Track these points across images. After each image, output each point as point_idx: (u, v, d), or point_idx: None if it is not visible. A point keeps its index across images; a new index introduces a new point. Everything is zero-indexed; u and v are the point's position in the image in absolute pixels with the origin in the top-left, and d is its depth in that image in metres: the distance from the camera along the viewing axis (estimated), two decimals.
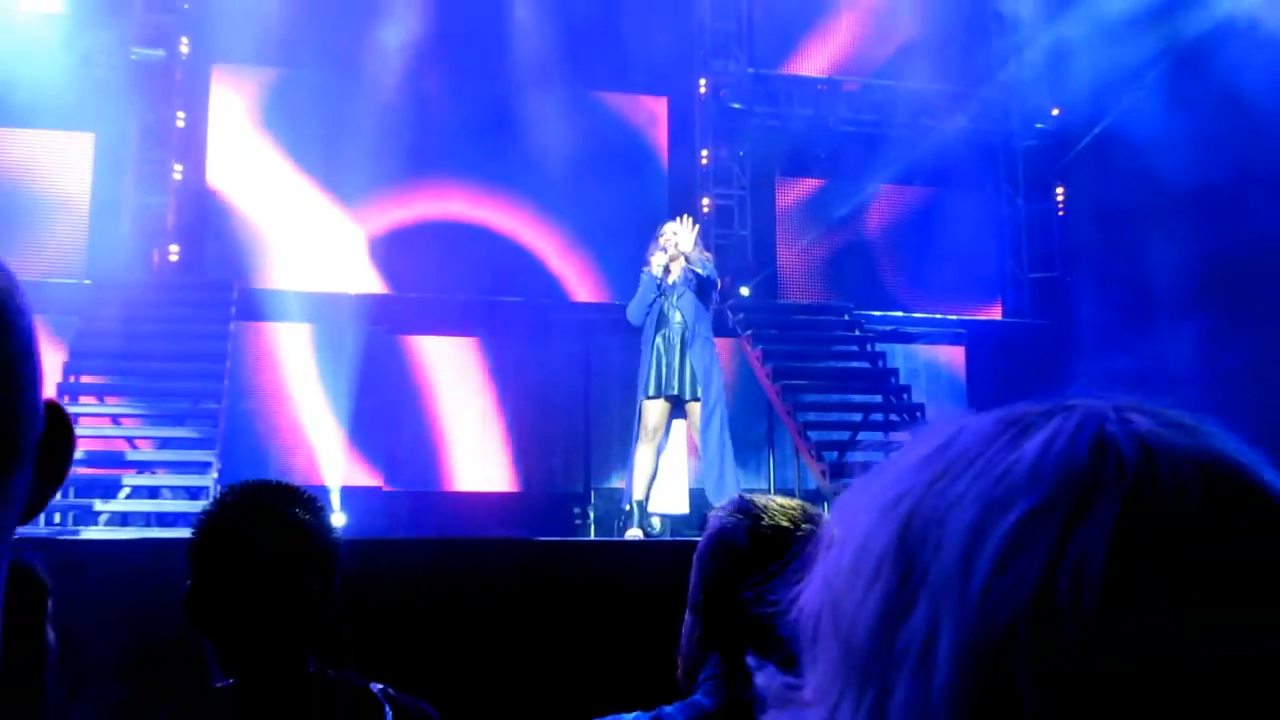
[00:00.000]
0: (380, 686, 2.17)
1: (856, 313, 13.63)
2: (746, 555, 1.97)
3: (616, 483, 10.40)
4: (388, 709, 2.12)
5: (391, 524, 11.32)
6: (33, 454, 0.76)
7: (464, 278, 13.33)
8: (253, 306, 12.15)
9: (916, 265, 14.58)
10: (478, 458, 12.96)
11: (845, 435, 12.04)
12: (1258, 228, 11.90)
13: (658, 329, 8.25)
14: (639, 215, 13.32)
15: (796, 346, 13.08)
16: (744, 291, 13.82)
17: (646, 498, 8.27)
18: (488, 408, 13.09)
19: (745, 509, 2.06)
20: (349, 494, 11.56)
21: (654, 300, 8.26)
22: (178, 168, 12.88)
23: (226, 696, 2.07)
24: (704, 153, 14.44)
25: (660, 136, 14.70)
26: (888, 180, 14.85)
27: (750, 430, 13.12)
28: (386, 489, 12.30)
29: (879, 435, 12.46)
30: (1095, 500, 0.59)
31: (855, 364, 13.08)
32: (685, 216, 8.64)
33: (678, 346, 8.22)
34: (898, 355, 13.47)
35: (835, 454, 11.53)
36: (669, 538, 8.54)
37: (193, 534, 2.16)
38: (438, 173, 13.61)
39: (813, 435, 11.63)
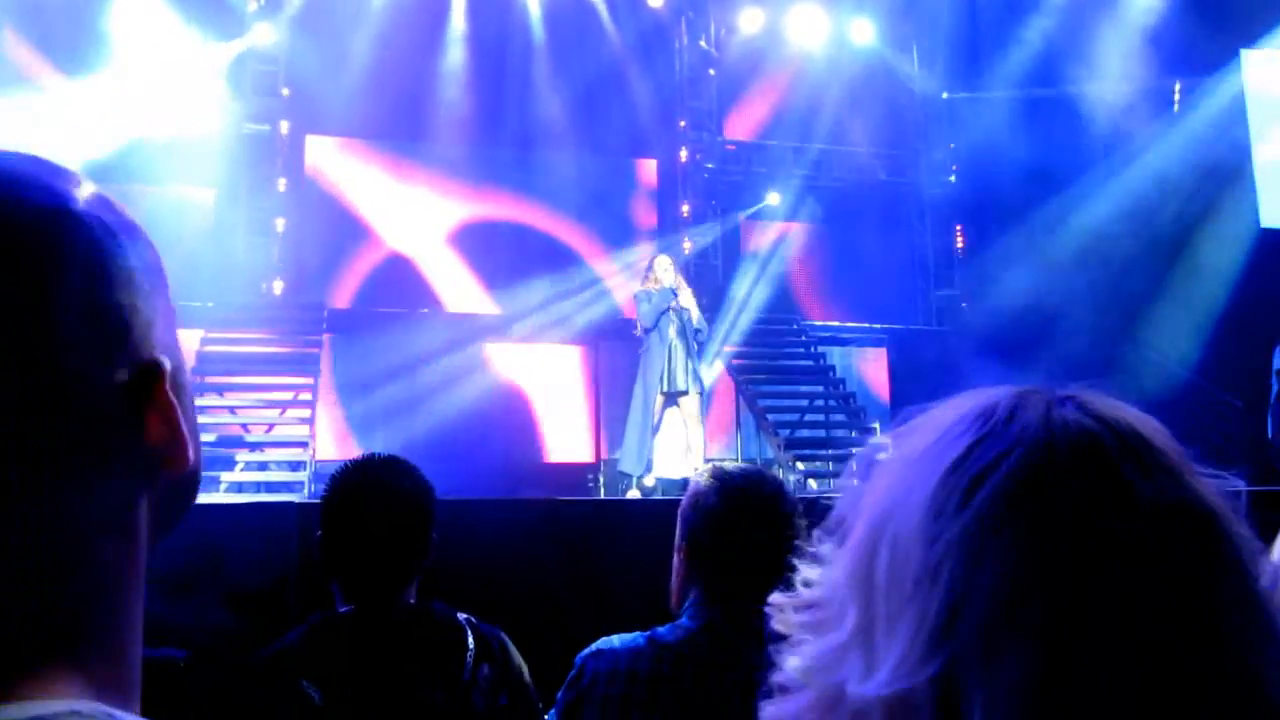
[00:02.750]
0: (465, 616, 2.17)
1: (803, 323, 13.60)
2: (716, 509, 2.01)
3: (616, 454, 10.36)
4: (469, 632, 2.12)
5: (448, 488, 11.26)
6: (110, 419, 0.62)
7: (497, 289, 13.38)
8: (339, 322, 12.05)
9: (850, 286, 14.56)
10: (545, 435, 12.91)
11: (795, 416, 12.05)
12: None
13: (664, 336, 8.23)
14: (633, 240, 13.41)
15: (757, 348, 13.04)
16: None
17: (647, 469, 8.33)
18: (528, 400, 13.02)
19: (716, 474, 2.07)
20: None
21: (667, 309, 8.20)
22: (280, 221, 12.84)
23: (347, 620, 2.08)
24: (684, 206, 14.48)
25: (652, 186, 14.70)
26: (827, 220, 14.85)
27: (723, 414, 13.09)
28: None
29: (821, 416, 12.48)
30: (957, 442, 0.65)
31: (802, 362, 13.06)
32: (669, 258, 8.69)
33: (682, 352, 8.23)
34: (835, 355, 13.42)
35: (788, 431, 11.54)
36: (664, 497, 8.53)
37: (324, 494, 2.17)
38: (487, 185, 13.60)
39: (771, 417, 11.61)
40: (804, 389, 12.60)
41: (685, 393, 8.27)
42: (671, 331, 8.26)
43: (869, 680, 0.62)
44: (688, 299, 8.44)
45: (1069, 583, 0.58)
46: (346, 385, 12.28)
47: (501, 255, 13.59)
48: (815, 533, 0.73)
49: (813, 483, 10.70)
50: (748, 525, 2.00)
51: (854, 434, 11.87)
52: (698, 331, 8.58)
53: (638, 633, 2.04)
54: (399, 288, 12.89)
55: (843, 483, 0.72)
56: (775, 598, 0.72)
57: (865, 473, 0.71)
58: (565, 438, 13.08)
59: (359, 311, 12.50)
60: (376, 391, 12.26)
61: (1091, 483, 0.61)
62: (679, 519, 2.10)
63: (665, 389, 8.22)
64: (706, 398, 8.52)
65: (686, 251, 14.15)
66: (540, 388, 13.13)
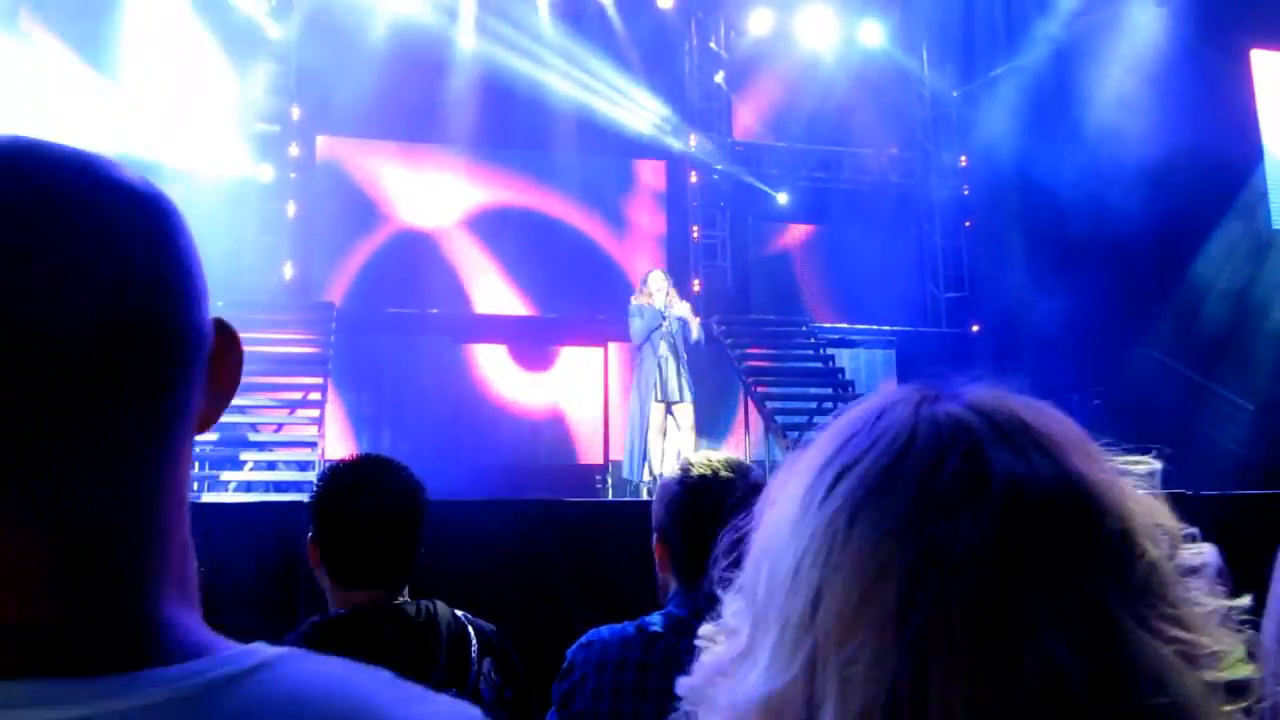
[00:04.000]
0: (463, 613, 2.18)
1: (811, 324, 13.58)
2: (676, 497, 2.01)
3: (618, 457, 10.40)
4: (470, 629, 2.13)
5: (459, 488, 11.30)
6: (203, 368, 0.67)
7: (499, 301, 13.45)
8: (349, 322, 12.09)
9: (858, 288, 14.52)
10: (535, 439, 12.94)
11: (804, 419, 12.00)
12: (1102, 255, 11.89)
13: (659, 348, 8.56)
14: (641, 245, 13.46)
15: (766, 351, 13.01)
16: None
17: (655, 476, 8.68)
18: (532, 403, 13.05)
19: (682, 464, 2.10)
20: (422, 465, 11.49)
21: (658, 327, 8.57)
22: (290, 207, 12.83)
23: (346, 622, 2.08)
24: (695, 225, 14.56)
25: (660, 187, 14.72)
26: (836, 221, 14.85)
27: (729, 417, 13.09)
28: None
29: (829, 419, 12.39)
30: (842, 444, 0.66)
31: (811, 364, 13.04)
32: (664, 273, 9.04)
33: (673, 364, 8.59)
34: (844, 358, 13.39)
35: (797, 433, 11.47)
36: None
37: (312, 495, 2.19)
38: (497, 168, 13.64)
39: (779, 419, 11.57)
40: (813, 391, 12.55)
41: (679, 402, 8.58)
42: (663, 346, 8.60)
43: (745, 685, 0.60)
44: (682, 310, 8.74)
45: (921, 565, 0.55)
46: (356, 385, 12.32)
47: (509, 254, 13.64)
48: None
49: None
50: (707, 512, 1.98)
51: None
52: (696, 341, 8.94)
53: (626, 623, 2.05)
54: (409, 287, 12.92)
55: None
56: (705, 629, 0.70)
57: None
58: (575, 439, 13.11)
59: (369, 311, 12.52)
60: (386, 391, 12.30)
61: (952, 467, 0.58)
62: (651, 511, 2.13)
63: (659, 398, 8.54)
64: (726, 404, 8.74)
65: (695, 235, 14.20)
66: (551, 388, 13.16)
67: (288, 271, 12.74)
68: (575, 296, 13.46)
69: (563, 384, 13.17)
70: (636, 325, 8.65)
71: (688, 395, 8.68)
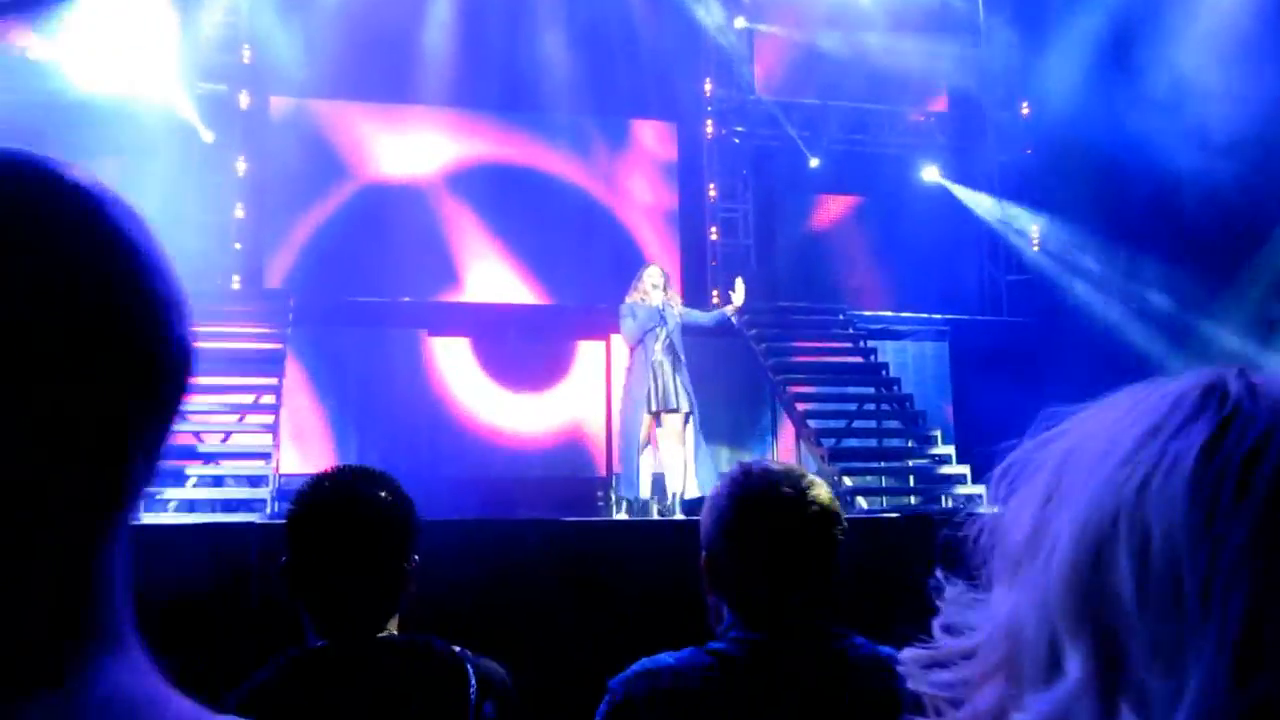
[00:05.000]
0: (460, 649, 2.19)
1: (850, 313, 13.57)
2: (727, 513, 2.06)
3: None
4: (470, 667, 2.15)
5: (439, 507, 11.27)
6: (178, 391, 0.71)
7: (488, 286, 13.55)
8: (308, 314, 12.08)
9: (905, 270, 14.50)
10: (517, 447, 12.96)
11: (842, 424, 12.00)
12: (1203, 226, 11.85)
13: (650, 353, 8.89)
14: (647, 222, 13.44)
15: (796, 344, 13.01)
16: None
17: (650, 494, 8.99)
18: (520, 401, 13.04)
19: (734, 473, 2.13)
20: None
21: (653, 328, 8.87)
22: (240, 204, 12.89)
23: (324, 656, 2.10)
24: (711, 186, 14.54)
25: (671, 157, 14.72)
26: (878, 192, 14.83)
27: (755, 421, 13.11)
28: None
29: (872, 423, 12.43)
30: (1195, 422, 0.64)
31: (849, 359, 13.02)
32: (660, 268, 9.38)
33: (669, 369, 8.90)
34: (888, 351, 13.37)
35: (833, 440, 11.50)
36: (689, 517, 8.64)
37: (289, 512, 2.21)
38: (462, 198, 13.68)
39: (812, 423, 11.59)
40: (851, 391, 12.55)
41: (675, 410, 8.90)
42: (657, 348, 8.90)
43: None
44: (676, 307, 9.10)
45: None
46: (316, 388, 12.31)
47: (495, 237, 13.62)
48: (940, 568, 0.73)
49: (862, 500, 10.66)
50: (764, 530, 2.04)
51: (910, 443, 11.83)
52: (724, 318, 9.50)
53: (679, 651, 2.10)
54: (377, 273, 12.90)
55: (992, 495, 0.72)
56: (908, 654, 0.72)
57: (1012, 483, 0.72)
58: (574, 449, 13.07)
59: (331, 300, 12.52)
60: (351, 393, 12.29)
61: None
62: (700, 528, 2.16)
63: (653, 408, 8.89)
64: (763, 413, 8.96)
65: (714, 236, 14.26)
66: (545, 389, 13.13)
67: (236, 256, 12.73)
68: (573, 281, 13.47)
69: (559, 384, 13.14)
70: (629, 326, 8.99)
71: (685, 402, 8.95)
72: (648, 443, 9.01)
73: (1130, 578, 0.62)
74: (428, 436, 12.42)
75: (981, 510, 0.74)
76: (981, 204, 14.92)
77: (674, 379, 8.92)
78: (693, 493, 8.70)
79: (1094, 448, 0.68)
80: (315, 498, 2.19)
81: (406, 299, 12.98)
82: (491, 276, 13.69)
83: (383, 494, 2.20)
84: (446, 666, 2.13)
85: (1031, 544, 0.68)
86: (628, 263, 13.18)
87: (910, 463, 11.80)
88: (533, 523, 5.80)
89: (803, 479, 2.11)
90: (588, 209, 14.02)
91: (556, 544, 5.20)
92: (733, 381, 12.75)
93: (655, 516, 8.70)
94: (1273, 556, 0.59)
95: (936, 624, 0.71)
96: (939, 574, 0.74)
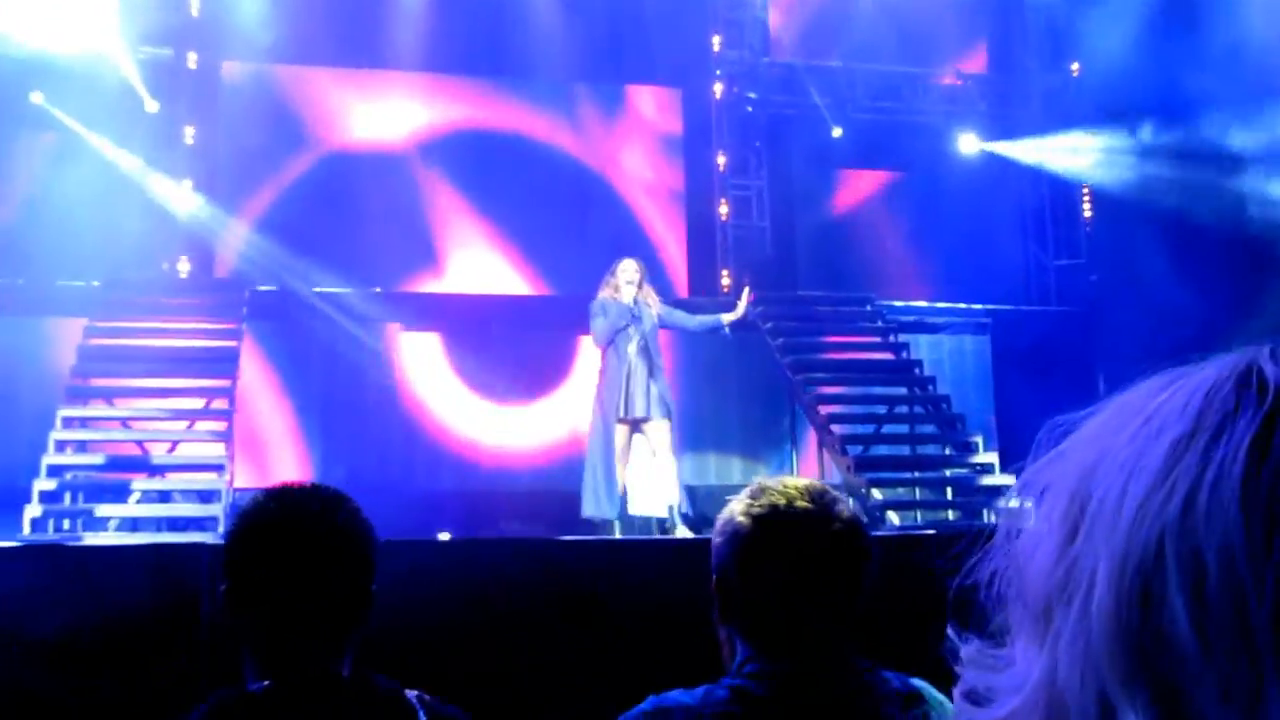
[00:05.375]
0: (415, 693, 2.19)
1: (879, 303, 13.58)
2: (747, 535, 2.08)
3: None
4: (421, 714, 2.15)
5: (407, 524, 11.26)
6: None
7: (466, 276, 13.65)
8: (266, 307, 12.09)
9: (941, 254, 14.54)
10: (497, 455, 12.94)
11: (870, 428, 11.99)
12: None
13: (623, 357, 9.03)
14: (647, 200, 13.44)
15: (818, 338, 13.02)
16: None
17: (623, 508, 9.11)
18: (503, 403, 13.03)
19: (753, 491, 2.14)
20: (359, 494, 11.48)
21: (624, 328, 9.01)
22: (187, 181, 12.91)
23: (263, 698, 2.09)
24: (720, 154, 14.55)
25: (675, 128, 14.70)
26: (911, 166, 14.87)
27: (772, 425, 13.10)
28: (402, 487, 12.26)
29: (904, 428, 12.42)
30: (1236, 420, 0.62)
31: (878, 356, 13.02)
32: (638, 261, 9.42)
33: (644, 374, 9.01)
34: (922, 346, 13.38)
35: (860, 448, 11.49)
36: (694, 536, 8.65)
37: (228, 535, 2.22)
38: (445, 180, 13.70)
39: (837, 429, 11.58)
40: (880, 391, 12.55)
41: (648, 419, 9.02)
42: (631, 350, 9.03)
43: None
44: (654, 306, 9.24)
45: None
46: (275, 390, 12.30)
47: (480, 219, 13.63)
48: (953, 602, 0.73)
49: (894, 516, 10.65)
50: (782, 551, 2.05)
51: (948, 450, 11.82)
52: (716, 326, 9.65)
53: (693, 689, 2.11)
54: (344, 261, 12.89)
55: (1002, 518, 0.71)
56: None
57: (1023, 515, 0.71)
58: (569, 458, 13.02)
59: (291, 292, 12.52)
60: (315, 397, 12.28)
61: None
62: (711, 550, 2.17)
63: (623, 415, 9.01)
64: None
65: (724, 216, 14.24)
66: (536, 390, 13.09)
67: (184, 239, 12.72)
68: (570, 268, 13.47)
69: (554, 389, 13.09)
70: (598, 325, 9.11)
71: (657, 411, 9.04)
72: (625, 456, 9.14)
73: (1186, 616, 0.60)
74: (401, 446, 12.42)
75: (993, 546, 0.72)
76: (1030, 151, 14.84)
77: (648, 386, 9.02)
78: (658, 511, 8.91)
79: (1119, 464, 0.65)
80: (258, 517, 2.18)
81: (377, 289, 12.98)
82: (476, 263, 13.71)
83: (336, 513, 2.19)
84: (394, 713, 2.13)
85: (1061, 589, 0.65)
86: (630, 247, 13.21)
87: (947, 473, 11.81)
88: (518, 543, 5.78)
89: (825, 494, 2.12)
90: (585, 186, 14.02)
91: (546, 567, 5.20)
92: (746, 381, 12.76)
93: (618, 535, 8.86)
94: None
95: (957, 692, 0.70)
96: (950, 631, 0.73)
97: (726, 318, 9.73)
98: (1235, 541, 0.59)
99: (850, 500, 11.43)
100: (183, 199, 12.75)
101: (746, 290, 9.97)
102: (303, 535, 2.15)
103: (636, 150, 14.47)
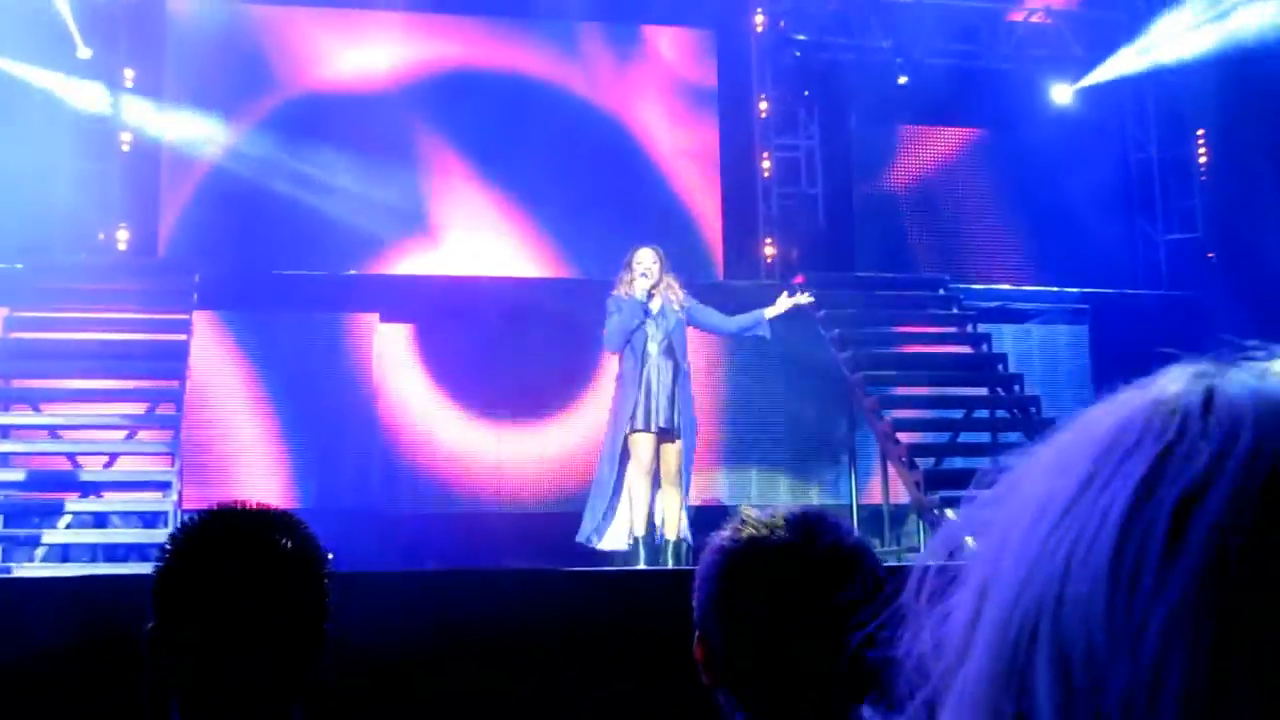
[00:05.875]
0: None
1: (953, 286, 13.57)
2: (724, 580, 2.05)
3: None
4: None
5: (389, 554, 11.36)
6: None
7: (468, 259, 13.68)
8: (220, 294, 12.14)
9: (1030, 228, 14.58)
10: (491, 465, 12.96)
11: (944, 437, 11.97)
12: None
13: (643, 358, 9.15)
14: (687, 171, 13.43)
15: (881, 329, 13.00)
16: None
17: (647, 531, 9.15)
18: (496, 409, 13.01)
19: (736, 526, 2.10)
20: (332, 518, 11.50)
21: (637, 327, 9.14)
22: (126, 135, 12.94)
23: None
24: (761, 101, 14.49)
25: (707, 77, 14.72)
26: (996, 124, 14.87)
27: (827, 433, 13.07)
28: (381, 509, 12.26)
29: (984, 436, 12.37)
30: (1131, 459, 0.62)
31: (953, 349, 13.01)
32: (656, 250, 9.45)
33: (668, 379, 9.15)
34: (1006, 338, 13.36)
35: (931, 460, 11.50)
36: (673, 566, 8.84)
37: (155, 566, 2.20)
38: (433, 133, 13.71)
39: (904, 438, 11.57)
40: (956, 392, 12.53)
41: (670, 433, 9.11)
42: (653, 349, 9.16)
43: None
44: (677, 301, 9.31)
45: None
46: (230, 393, 12.33)
47: (480, 185, 13.64)
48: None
49: (972, 543, 10.62)
50: (757, 593, 2.00)
51: None
52: (757, 326, 9.74)
53: None
54: (312, 238, 12.94)
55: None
56: None
57: (947, 569, 0.71)
58: (574, 474, 13.01)
59: (250, 276, 12.58)
60: (278, 403, 12.29)
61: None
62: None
63: (642, 425, 9.09)
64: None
65: (766, 173, 14.21)
66: (534, 393, 13.07)
67: (122, 217, 12.77)
68: (577, 246, 13.49)
69: (550, 388, 13.05)
70: (611, 326, 9.26)
71: (679, 423, 9.14)
72: (650, 469, 9.20)
73: (1050, 703, 0.59)
74: (380, 460, 12.42)
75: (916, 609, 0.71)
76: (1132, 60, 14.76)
77: (671, 393, 9.13)
78: (671, 535, 9.01)
79: (1030, 506, 0.65)
80: (191, 545, 2.18)
81: (352, 271, 13.03)
82: (474, 238, 13.75)
83: (284, 540, 2.19)
84: None
85: (958, 658, 0.64)
86: (656, 219, 13.18)
87: None
88: (514, 575, 5.76)
89: (811, 520, 2.07)
90: (600, 145, 13.96)
91: (545, 602, 5.19)
92: (794, 380, 12.70)
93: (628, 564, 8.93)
94: (1220, 657, 0.56)
95: None
96: (866, 712, 0.74)
97: (770, 312, 9.76)
98: (1097, 611, 0.58)
99: (920, 524, 11.40)
100: (119, 152, 12.82)
101: (802, 293, 10.03)
102: (243, 566, 2.14)
103: (660, 102, 14.42)
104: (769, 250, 14.10)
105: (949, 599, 0.68)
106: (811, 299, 10.21)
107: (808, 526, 2.05)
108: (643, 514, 9.11)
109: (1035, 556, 0.62)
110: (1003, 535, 0.65)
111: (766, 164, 14.29)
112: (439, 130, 13.75)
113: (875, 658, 0.74)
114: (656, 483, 9.20)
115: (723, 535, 2.09)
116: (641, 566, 8.92)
